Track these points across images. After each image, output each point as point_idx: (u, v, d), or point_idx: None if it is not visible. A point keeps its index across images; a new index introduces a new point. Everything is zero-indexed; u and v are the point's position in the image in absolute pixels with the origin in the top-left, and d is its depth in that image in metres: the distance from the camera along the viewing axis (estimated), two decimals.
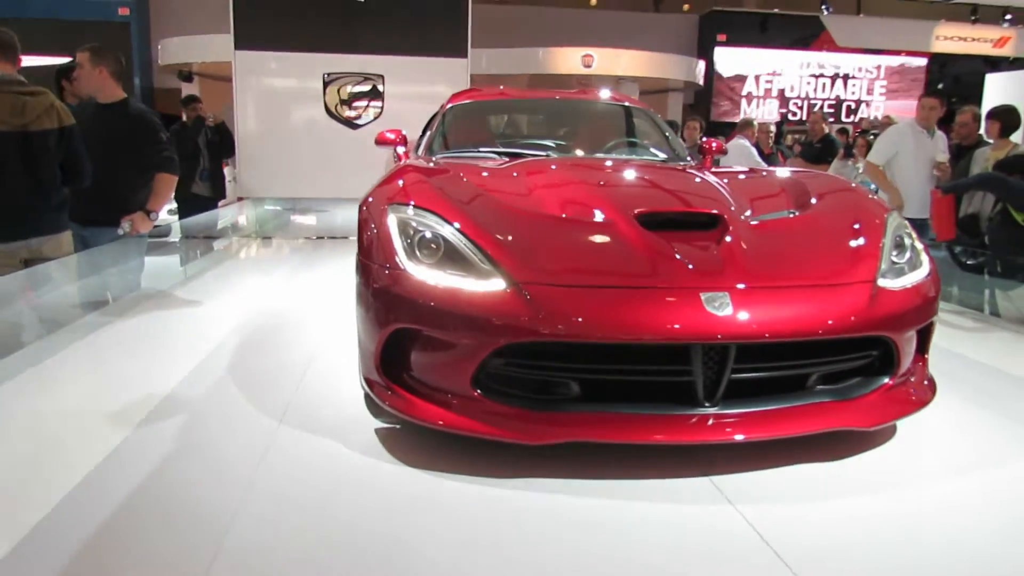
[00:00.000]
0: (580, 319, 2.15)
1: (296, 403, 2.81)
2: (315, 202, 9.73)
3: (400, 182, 2.78)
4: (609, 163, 3.58)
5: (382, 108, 6.98)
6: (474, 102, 4.41)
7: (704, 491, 2.20)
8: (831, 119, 15.62)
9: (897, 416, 2.40)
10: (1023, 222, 4.15)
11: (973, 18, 15.01)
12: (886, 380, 2.44)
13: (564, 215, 2.52)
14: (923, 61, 16.10)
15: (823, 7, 15.13)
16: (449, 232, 2.39)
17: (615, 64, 13.75)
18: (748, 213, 2.62)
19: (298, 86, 6.89)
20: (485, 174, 2.94)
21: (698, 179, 2.99)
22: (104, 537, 1.86)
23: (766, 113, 15.82)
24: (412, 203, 2.56)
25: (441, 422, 2.29)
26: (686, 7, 18.65)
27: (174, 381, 3.01)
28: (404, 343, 2.40)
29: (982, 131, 5.62)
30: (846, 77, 16.07)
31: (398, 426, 2.60)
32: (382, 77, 6.91)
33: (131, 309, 4.17)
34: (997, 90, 9.39)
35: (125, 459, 2.27)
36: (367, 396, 2.71)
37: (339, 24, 6.75)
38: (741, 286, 2.24)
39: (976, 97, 16.25)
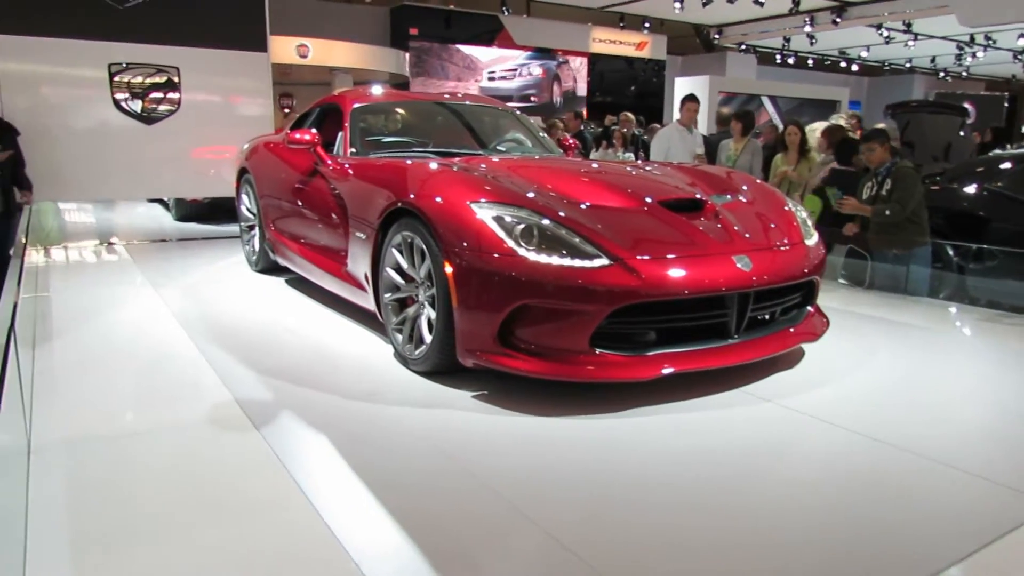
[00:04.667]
0: (673, 281, 2.88)
1: (365, 388, 3.12)
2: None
3: (469, 182, 3.20)
4: (591, 163, 4.28)
5: (179, 102, 6.63)
6: (379, 104, 4.74)
7: (744, 397, 3.09)
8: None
9: (823, 331, 3.52)
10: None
11: (621, 24, 17.87)
12: (809, 309, 3.54)
13: (613, 204, 3.20)
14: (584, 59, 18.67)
15: (503, 8, 16.80)
16: (542, 221, 2.94)
17: (329, 55, 13.88)
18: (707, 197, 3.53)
19: (78, 76, 6.24)
20: (518, 170, 3.47)
21: (657, 171, 3.85)
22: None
23: None
24: (490, 200, 3.03)
25: (563, 375, 2.86)
26: None
27: (231, 390, 3.06)
28: (512, 315, 2.89)
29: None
30: (529, 74, 18.02)
31: (485, 392, 3.09)
32: (177, 69, 6.56)
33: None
34: (684, 90, 11.69)
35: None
36: (432, 371, 3.19)
37: (124, 10, 6.26)
38: (751, 250, 3.15)
39: (623, 91, 19.35)
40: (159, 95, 6.55)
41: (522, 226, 2.92)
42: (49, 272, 5.34)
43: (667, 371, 2.89)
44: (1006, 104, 21.21)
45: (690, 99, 6.73)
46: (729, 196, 3.61)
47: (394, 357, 3.50)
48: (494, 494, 2.25)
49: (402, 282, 3.39)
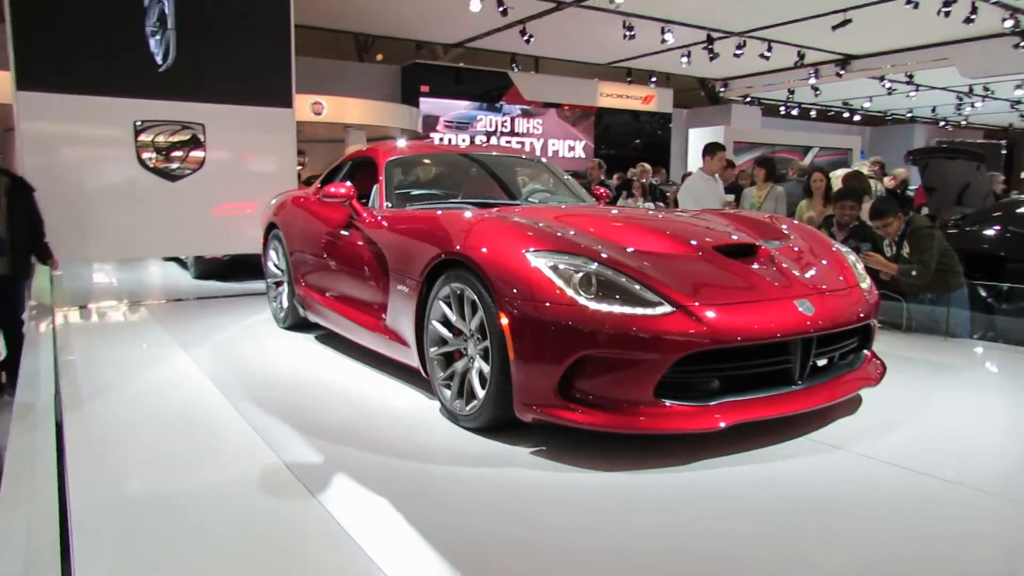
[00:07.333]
0: (740, 328, 2.79)
1: (416, 446, 3.03)
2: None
3: (520, 231, 3.13)
4: (632, 210, 4.22)
5: (204, 159, 6.63)
6: (413, 156, 4.72)
7: (813, 446, 2.97)
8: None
9: (882, 376, 3.40)
10: None
11: (629, 79, 18.16)
12: (867, 353, 3.44)
13: (667, 251, 3.12)
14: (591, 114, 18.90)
15: (513, 65, 17.08)
16: (600, 269, 2.86)
17: (344, 112, 14.05)
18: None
19: (103, 134, 6.24)
20: (563, 218, 3.41)
21: (701, 218, 3.78)
22: None
23: None
24: (544, 248, 2.96)
25: (623, 427, 2.75)
26: (379, 57, 19.53)
27: (276, 452, 2.93)
28: (572, 367, 2.79)
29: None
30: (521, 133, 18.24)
31: (544, 448, 2.97)
32: (203, 126, 6.58)
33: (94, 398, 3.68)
34: (698, 140, 11.78)
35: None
36: (490, 424, 3.08)
37: (151, 67, 6.30)
38: (811, 294, 3.06)
39: (628, 144, 19.54)
40: (184, 152, 6.55)
41: (580, 274, 2.84)
42: (70, 334, 5.24)
43: (724, 424, 2.77)
44: (1004, 152, 21.45)
45: (719, 147, 6.61)
46: (779, 240, 3.54)
47: (440, 412, 3.39)
48: (566, 553, 2.12)
49: (449, 335, 3.30)
